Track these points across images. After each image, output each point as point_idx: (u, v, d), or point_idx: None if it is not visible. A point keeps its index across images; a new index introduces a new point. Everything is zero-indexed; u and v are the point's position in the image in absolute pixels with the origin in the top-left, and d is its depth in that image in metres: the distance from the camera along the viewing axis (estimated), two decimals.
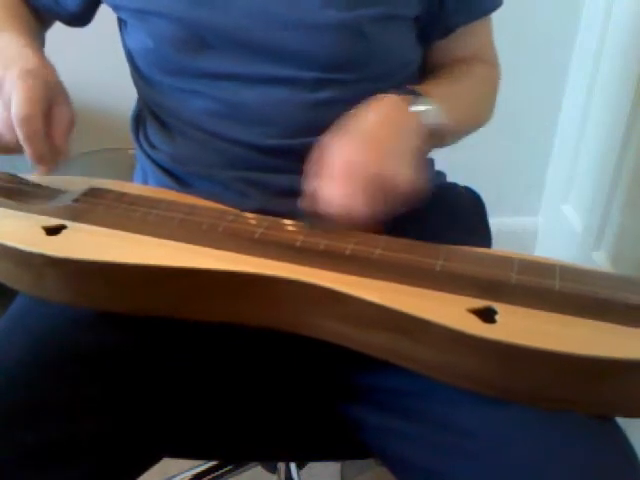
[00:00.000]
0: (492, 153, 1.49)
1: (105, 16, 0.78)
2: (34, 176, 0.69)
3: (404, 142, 0.62)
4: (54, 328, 0.61)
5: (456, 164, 0.85)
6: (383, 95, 0.65)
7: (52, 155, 0.61)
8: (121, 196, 0.65)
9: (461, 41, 0.78)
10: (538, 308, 0.54)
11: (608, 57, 1.36)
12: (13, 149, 0.62)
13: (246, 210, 0.64)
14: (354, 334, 0.56)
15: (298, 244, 0.58)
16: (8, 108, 0.60)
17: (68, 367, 0.59)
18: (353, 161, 0.59)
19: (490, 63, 0.83)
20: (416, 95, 0.66)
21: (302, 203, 0.59)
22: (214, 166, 0.71)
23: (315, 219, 0.59)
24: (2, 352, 0.59)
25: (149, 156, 0.76)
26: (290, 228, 0.61)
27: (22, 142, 0.60)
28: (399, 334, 0.54)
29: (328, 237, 0.59)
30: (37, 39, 0.76)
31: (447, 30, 0.77)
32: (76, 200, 0.64)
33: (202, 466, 0.95)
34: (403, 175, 0.59)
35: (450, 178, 0.83)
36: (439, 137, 0.67)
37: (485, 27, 0.81)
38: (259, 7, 0.67)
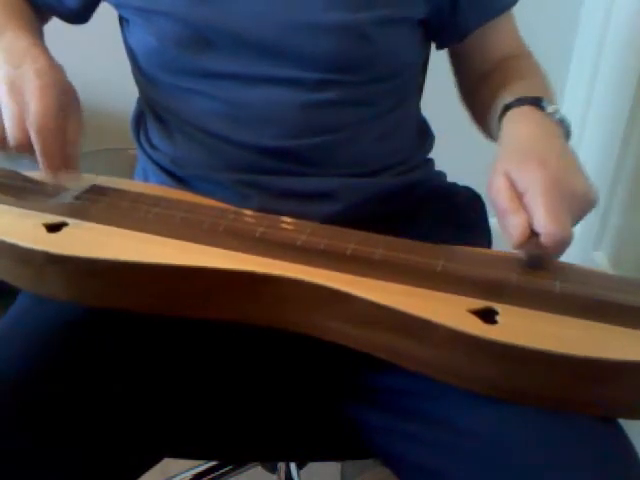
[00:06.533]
0: (492, 153, 1.48)
1: (106, 14, 0.78)
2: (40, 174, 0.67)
3: (567, 149, 0.61)
4: (52, 330, 0.61)
5: (456, 164, 0.85)
6: (515, 108, 0.64)
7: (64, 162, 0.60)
8: (123, 194, 0.65)
9: (491, 41, 0.77)
10: (539, 309, 0.54)
11: (608, 57, 1.36)
12: (22, 147, 0.60)
13: None
14: (355, 334, 0.56)
15: (299, 243, 0.58)
16: (23, 108, 0.58)
17: (67, 369, 0.59)
18: (554, 183, 0.54)
19: (528, 54, 0.81)
20: (532, 99, 0.65)
21: (518, 246, 0.54)
22: (215, 167, 0.71)
23: (537, 256, 0.55)
24: (0, 354, 0.59)
25: (150, 156, 0.76)
26: (291, 227, 0.61)
27: (38, 152, 0.59)
28: (400, 334, 0.54)
29: (329, 237, 0.59)
30: (41, 36, 0.76)
31: (463, 33, 0.76)
32: (78, 197, 0.64)
33: (202, 466, 0.96)
34: (591, 186, 0.57)
35: (450, 178, 0.83)
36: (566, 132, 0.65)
37: (509, 22, 0.79)
38: (262, 8, 0.67)
